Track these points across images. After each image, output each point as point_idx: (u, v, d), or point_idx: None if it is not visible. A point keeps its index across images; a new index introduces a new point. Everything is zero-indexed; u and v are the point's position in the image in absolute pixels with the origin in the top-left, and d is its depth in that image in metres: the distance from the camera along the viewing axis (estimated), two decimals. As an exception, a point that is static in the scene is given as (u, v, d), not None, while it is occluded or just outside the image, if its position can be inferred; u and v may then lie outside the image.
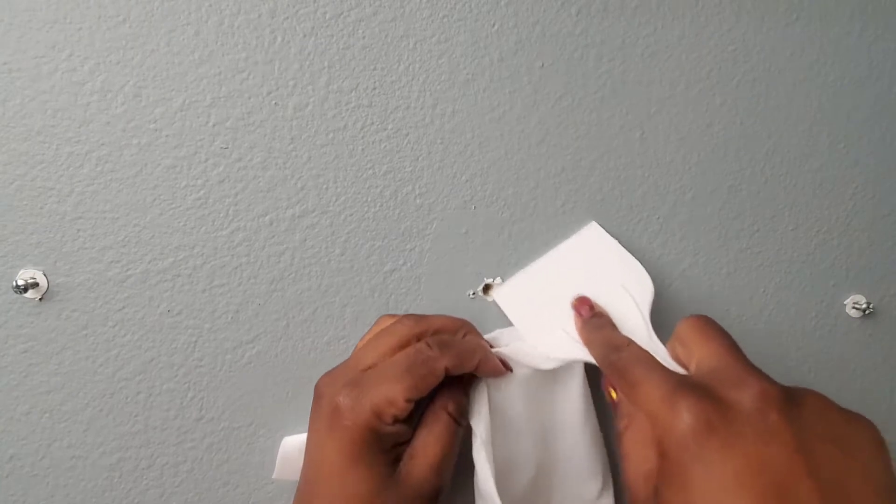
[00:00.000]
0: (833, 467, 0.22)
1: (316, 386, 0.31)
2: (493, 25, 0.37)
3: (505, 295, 0.37)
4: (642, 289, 0.35)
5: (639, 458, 0.26)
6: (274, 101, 0.35)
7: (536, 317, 0.36)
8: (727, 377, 0.25)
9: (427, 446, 0.30)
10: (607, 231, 0.38)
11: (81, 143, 0.34)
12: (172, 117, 0.35)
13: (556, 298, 0.36)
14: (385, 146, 0.36)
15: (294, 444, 0.35)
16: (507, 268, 0.38)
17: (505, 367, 0.33)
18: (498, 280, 0.38)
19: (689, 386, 0.25)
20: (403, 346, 0.31)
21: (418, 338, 0.31)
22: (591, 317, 0.34)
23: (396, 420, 0.29)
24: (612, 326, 0.33)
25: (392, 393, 0.29)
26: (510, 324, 0.37)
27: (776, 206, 0.40)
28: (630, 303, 0.34)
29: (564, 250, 0.38)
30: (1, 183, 0.34)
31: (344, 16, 0.35)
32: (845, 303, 0.41)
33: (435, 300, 0.37)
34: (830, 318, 0.41)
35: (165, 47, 0.34)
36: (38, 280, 0.34)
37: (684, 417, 0.24)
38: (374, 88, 0.36)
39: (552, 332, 0.35)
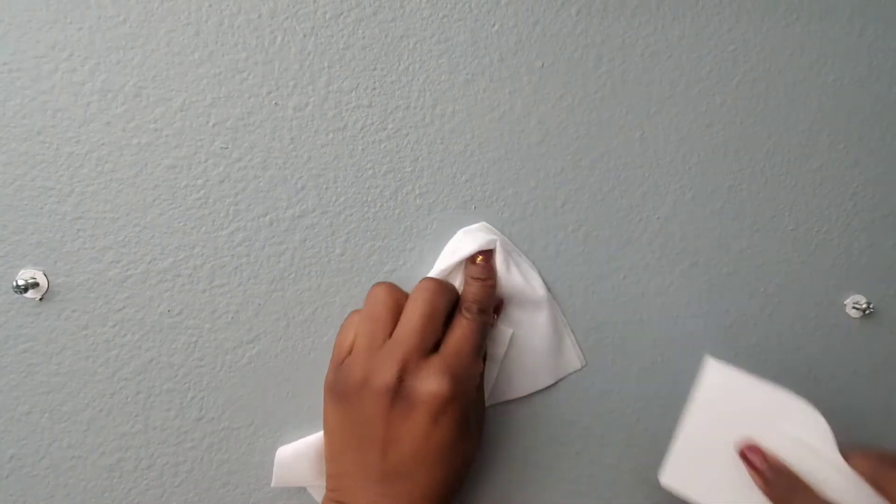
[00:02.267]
0: None
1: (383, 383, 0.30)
2: (493, 25, 0.37)
3: (673, 477, 0.34)
4: (819, 431, 0.30)
5: None
6: (274, 101, 0.35)
7: (716, 487, 0.32)
8: None
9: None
10: (609, 229, 0.38)
11: (81, 143, 0.34)
12: (172, 117, 0.35)
13: (725, 459, 0.32)
14: (385, 146, 0.36)
15: (289, 452, 0.35)
16: (507, 268, 0.38)
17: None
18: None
19: None
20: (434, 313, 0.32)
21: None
22: (772, 473, 0.31)
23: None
24: (805, 485, 0.30)
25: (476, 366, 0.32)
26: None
27: (776, 206, 0.40)
28: (810, 451, 0.30)
29: (702, 403, 0.33)
30: (1, 183, 0.34)
31: (344, 16, 0.35)
32: (845, 303, 0.41)
33: (435, 300, 0.37)
34: (830, 318, 0.41)
35: (165, 47, 0.34)
36: (38, 280, 0.34)
37: None
38: (374, 88, 0.36)
39: (741, 498, 0.32)
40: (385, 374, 0.30)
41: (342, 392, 0.31)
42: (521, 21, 0.37)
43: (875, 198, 0.41)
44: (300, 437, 0.36)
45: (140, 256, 0.35)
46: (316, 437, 0.35)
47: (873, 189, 0.41)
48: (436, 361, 0.30)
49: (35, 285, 0.34)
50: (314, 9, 0.35)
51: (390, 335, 0.31)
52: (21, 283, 0.33)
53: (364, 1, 0.36)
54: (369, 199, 0.36)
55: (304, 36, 0.35)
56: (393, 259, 0.37)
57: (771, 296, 0.40)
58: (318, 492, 0.35)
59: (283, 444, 0.36)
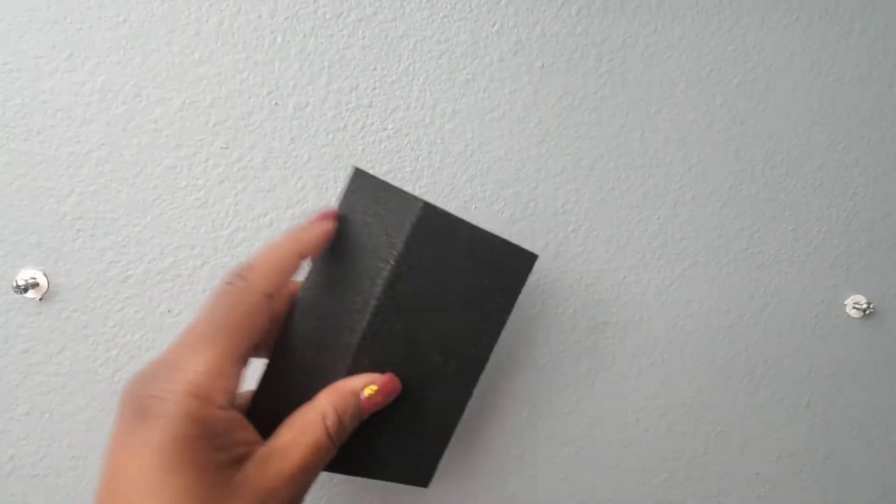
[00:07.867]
0: None
1: (123, 391, 0.23)
2: (493, 25, 0.37)
3: None
4: None
5: None
6: (274, 101, 0.35)
7: None
8: None
9: (290, 452, 0.25)
10: (609, 229, 0.38)
11: (81, 143, 0.34)
12: (172, 117, 0.35)
13: None
14: (385, 146, 0.36)
15: None
16: (507, 268, 0.38)
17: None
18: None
19: None
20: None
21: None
22: None
23: (230, 398, 0.23)
24: None
25: (211, 361, 0.23)
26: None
27: (776, 206, 0.40)
28: None
29: None
30: (1, 183, 0.34)
31: (344, 16, 0.35)
32: (845, 303, 0.41)
33: (435, 300, 0.37)
34: (830, 318, 0.41)
35: (165, 47, 0.34)
36: (38, 280, 0.34)
37: None
38: (374, 88, 0.36)
39: None
40: None
41: None
42: (521, 21, 0.37)
43: (875, 198, 0.41)
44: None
45: (140, 256, 0.35)
46: None
47: (873, 189, 0.41)
48: None
49: (35, 285, 0.34)
50: (314, 9, 0.35)
51: None
52: (21, 283, 0.33)
53: (364, 1, 0.36)
54: (369, 199, 0.36)
55: (304, 36, 0.35)
56: (393, 259, 0.37)
57: (771, 296, 0.40)
58: None
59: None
